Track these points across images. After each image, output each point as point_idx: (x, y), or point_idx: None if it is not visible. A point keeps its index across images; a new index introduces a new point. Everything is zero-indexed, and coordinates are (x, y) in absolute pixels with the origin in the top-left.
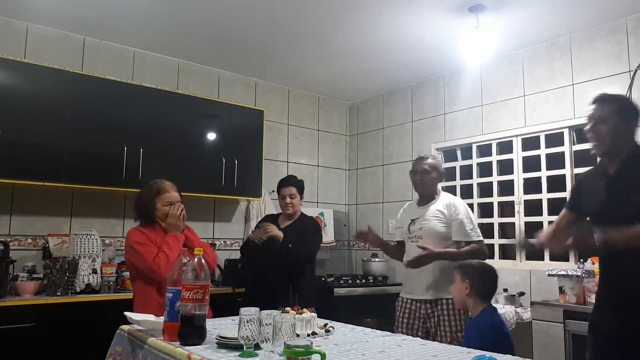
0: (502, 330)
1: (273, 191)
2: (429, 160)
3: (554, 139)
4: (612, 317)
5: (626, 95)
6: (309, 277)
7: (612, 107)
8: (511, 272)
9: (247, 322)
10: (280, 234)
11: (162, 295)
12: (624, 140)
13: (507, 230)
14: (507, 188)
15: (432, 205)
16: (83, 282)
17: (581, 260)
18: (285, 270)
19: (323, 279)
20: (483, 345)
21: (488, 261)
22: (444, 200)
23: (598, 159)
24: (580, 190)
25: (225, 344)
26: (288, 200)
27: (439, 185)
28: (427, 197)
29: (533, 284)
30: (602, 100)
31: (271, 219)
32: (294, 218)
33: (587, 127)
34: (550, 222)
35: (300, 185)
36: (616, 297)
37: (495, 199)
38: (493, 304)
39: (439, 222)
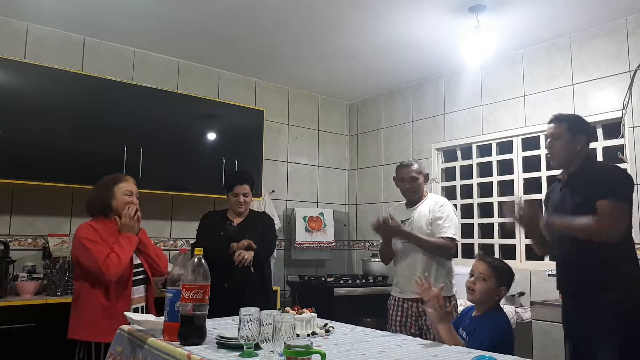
0: (511, 331)
1: (273, 191)
2: (415, 167)
3: None
4: (573, 311)
5: (577, 114)
6: (267, 279)
7: (563, 125)
8: None
9: (247, 322)
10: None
11: (109, 299)
12: (574, 153)
13: (507, 230)
14: (507, 188)
15: (421, 207)
16: None
17: None
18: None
19: (323, 279)
20: (493, 344)
21: None
22: (430, 201)
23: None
24: (547, 199)
25: (225, 344)
26: (242, 199)
27: (425, 187)
28: (415, 199)
29: (533, 284)
30: (556, 119)
31: (219, 215)
32: (244, 215)
33: (546, 143)
34: None
35: (253, 182)
36: (573, 293)
37: (495, 199)
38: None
39: (428, 222)
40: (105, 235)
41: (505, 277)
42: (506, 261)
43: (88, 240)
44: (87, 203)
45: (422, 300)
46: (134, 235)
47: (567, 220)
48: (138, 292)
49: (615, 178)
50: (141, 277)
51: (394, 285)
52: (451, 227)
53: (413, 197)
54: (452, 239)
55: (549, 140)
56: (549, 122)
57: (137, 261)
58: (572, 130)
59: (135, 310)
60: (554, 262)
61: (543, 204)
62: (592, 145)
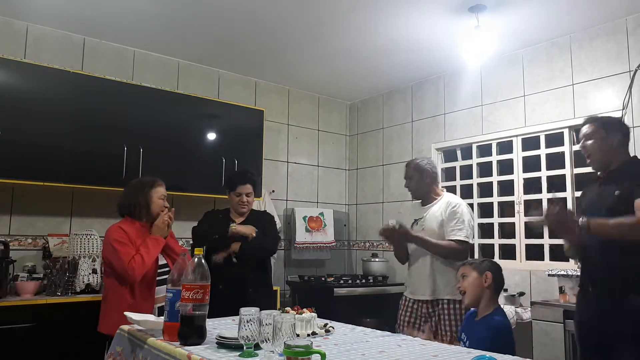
0: (511, 333)
1: (273, 191)
2: (412, 165)
3: (554, 139)
4: (591, 314)
5: (614, 115)
6: (270, 279)
7: (596, 125)
8: (511, 272)
9: (247, 322)
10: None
11: (134, 297)
12: (611, 151)
13: (507, 230)
14: (507, 188)
15: (434, 207)
16: (83, 282)
17: None
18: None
19: (323, 279)
20: (494, 346)
21: None
22: (444, 201)
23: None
24: (581, 197)
25: (225, 344)
26: (245, 199)
27: (436, 186)
28: (426, 198)
29: (533, 284)
30: (589, 119)
31: (221, 214)
32: (246, 214)
33: (580, 145)
34: None
35: (255, 182)
36: (595, 295)
37: (495, 199)
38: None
39: (439, 223)
40: (134, 237)
41: (484, 264)
42: (506, 261)
43: (117, 242)
44: (122, 205)
45: (432, 302)
46: (162, 238)
47: (603, 221)
48: (163, 291)
49: None
50: (167, 277)
51: (406, 285)
52: (462, 230)
53: (413, 195)
54: (463, 242)
55: (582, 142)
56: (582, 125)
57: (162, 261)
58: (605, 127)
59: (161, 309)
60: (554, 262)
61: (576, 204)
62: None
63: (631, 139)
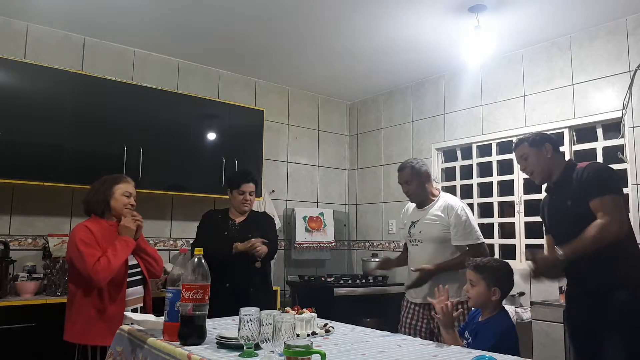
0: (515, 336)
1: (273, 191)
2: (406, 171)
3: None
4: (578, 311)
5: (535, 132)
6: (269, 279)
7: (524, 145)
8: None
9: (247, 322)
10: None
11: (103, 301)
12: (547, 162)
13: (507, 230)
14: (507, 188)
15: (431, 209)
16: None
17: None
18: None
19: (323, 279)
20: (496, 347)
21: None
22: (442, 203)
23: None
24: (543, 213)
25: (225, 344)
26: (248, 197)
27: (433, 187)
28: (424, 200)
29: (533, 284)
30: (516, 144)
31: (221, 214)
32: (246, 214)
33: (520, 168)
34: None
35: (257, 182)
36: (580, 293)
37: (495, 199)
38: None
39: (437, 226)
40: (101, 237)
41: (493, 277)
42: (506, 261)
43: (82, 242)
44: (85, 202)
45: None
46: (132, 240)
47: (576, 242)
48: (136, 293)
49: (598, 175)
50: (139, 277)
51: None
52: (474, 231)
53: (414, 200)
54: (481, 243)
55: (520, 165)
56: (514, 148)
57: (133, 262)
58: (533, 144)
59: (134, 311)
60: None
61: (542, 221)
62: (592, 145)
63: (631, 139)
